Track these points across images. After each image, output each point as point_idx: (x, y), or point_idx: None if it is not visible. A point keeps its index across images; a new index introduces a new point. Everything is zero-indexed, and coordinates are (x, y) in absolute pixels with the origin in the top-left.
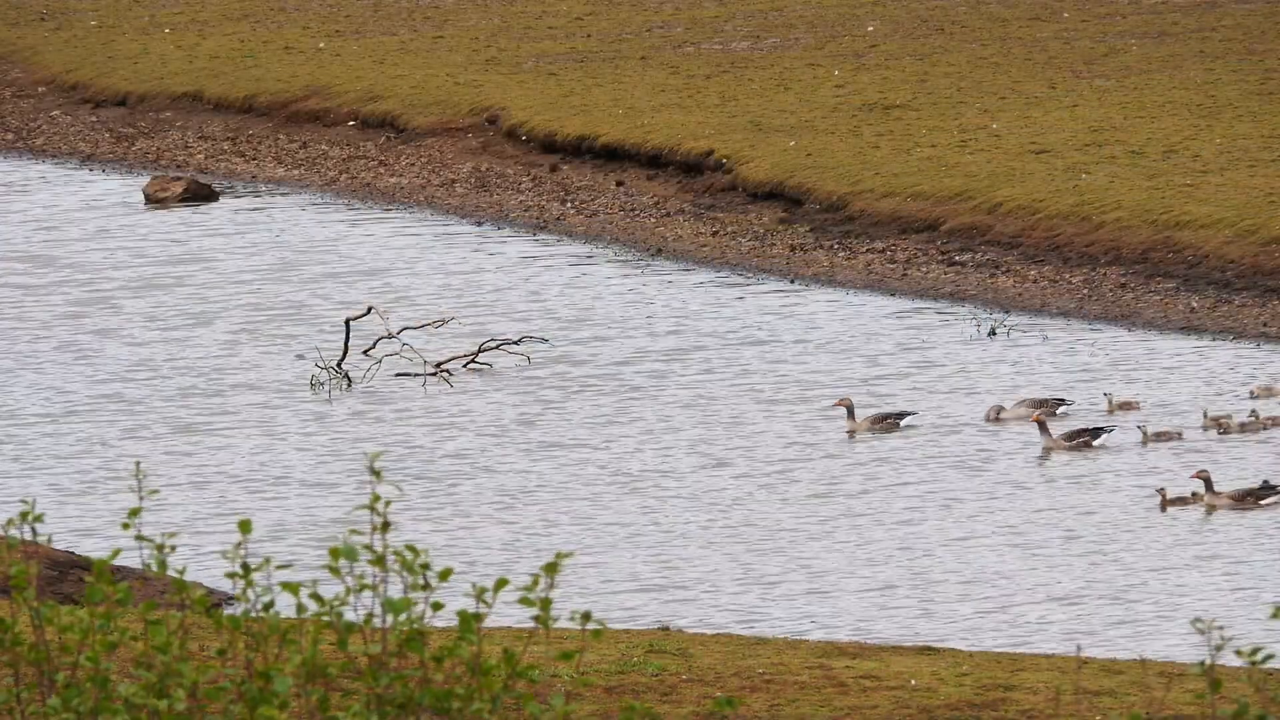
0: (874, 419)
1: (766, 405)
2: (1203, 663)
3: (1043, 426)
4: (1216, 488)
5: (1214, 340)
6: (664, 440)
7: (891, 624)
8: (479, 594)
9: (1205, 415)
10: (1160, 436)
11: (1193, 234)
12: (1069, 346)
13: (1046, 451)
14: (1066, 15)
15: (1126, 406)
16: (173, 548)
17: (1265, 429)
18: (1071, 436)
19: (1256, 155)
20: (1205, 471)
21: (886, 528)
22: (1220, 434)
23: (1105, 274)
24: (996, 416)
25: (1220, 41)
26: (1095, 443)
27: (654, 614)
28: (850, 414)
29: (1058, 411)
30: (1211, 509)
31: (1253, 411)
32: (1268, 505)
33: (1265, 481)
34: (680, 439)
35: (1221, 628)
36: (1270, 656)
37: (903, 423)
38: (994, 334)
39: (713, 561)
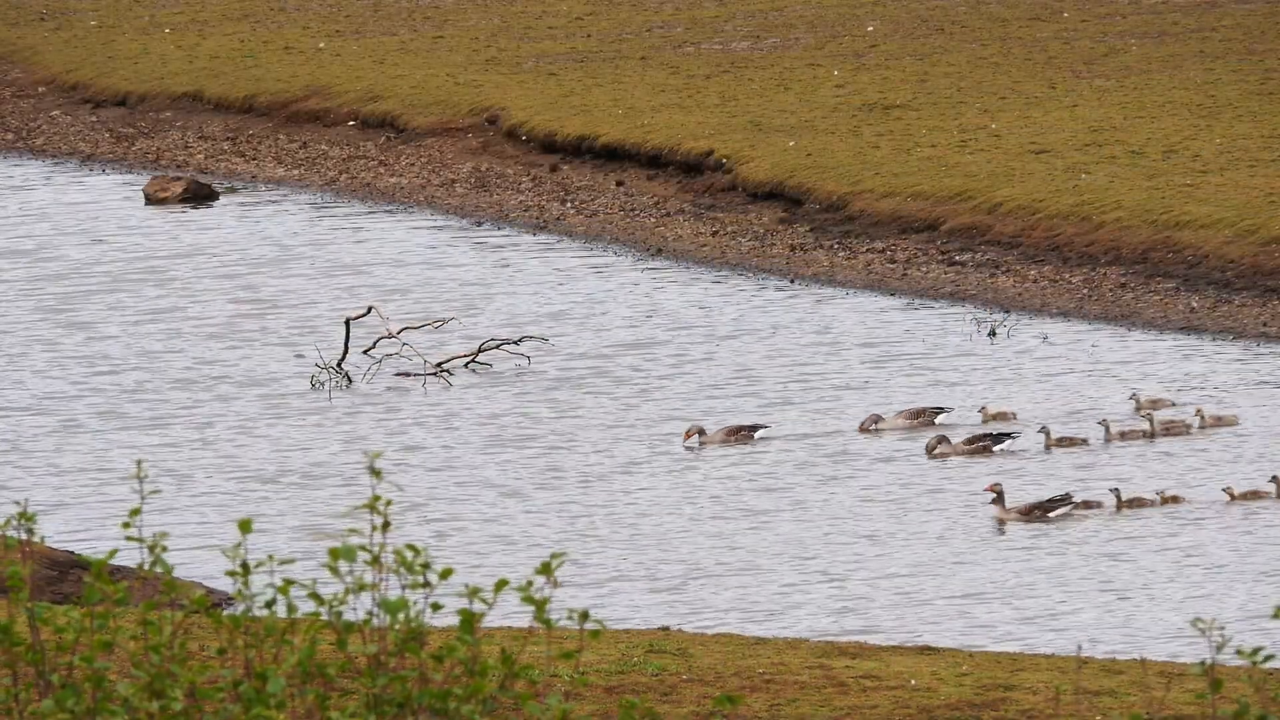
0: (728, 431)
1: (766, 405)
2: (1203, 662)
3: (943, 438)
4: (1087, 497)
5: (1214, 340)
6: (662, 439)
7: (860, 620)
8: (473, 593)
9: (1155, 421)
10: (1063, 442)
11: (1193, 234)
12: (1068, 346)
13: (944, 458)
14: (1066, 15)
15: (1001, 416)
16: (164, 547)
17: (1207, 427)
18: (971, 441)
19: (1256, 155)
20: (998, 484)
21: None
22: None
23: (1105, 274)
24: (874, 426)
25: (1220, 41)
26: (996, 448)
27: (654, 614)
28: (701, 433)
29: (936, 420)
30: (1001, 522)
31: (1198, 411)
32: (1056, 517)
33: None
34: (678, 438)
35: (1222, 628)
36: (1270, 657)
37: (756, 434)
38: (994, 334)
39: (711, 560)
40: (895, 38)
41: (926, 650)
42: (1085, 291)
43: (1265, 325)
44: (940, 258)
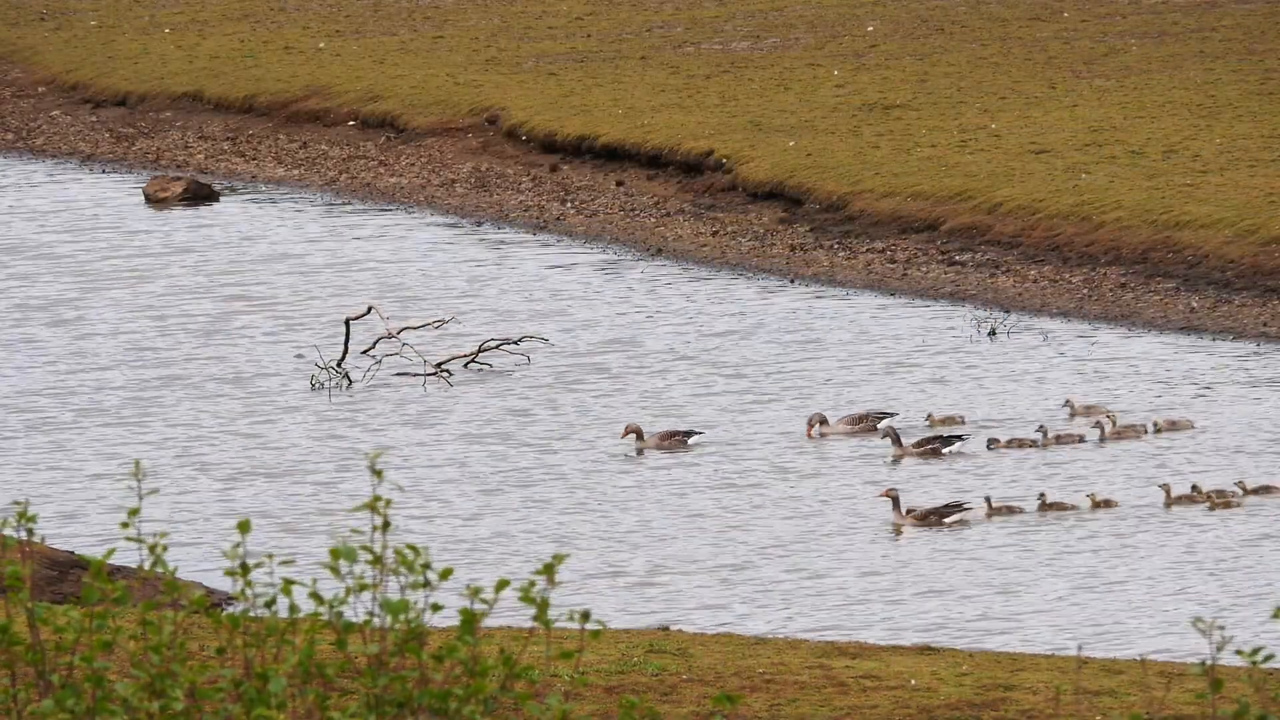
0: (662, 436)
1: (763, 405)
2: (1203, 662)
3: (894, 438)
4: (987, 502)
5: (1214, 340)
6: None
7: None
8: (474, 593)
9: (1114, 423)
10: (1012, 444)
11: (1193, 234)
12: (1068, 346)
13: (896, 459)
14: (1066, 15)
15: (949, 421)
16: (165, 547)
17: (1162, 431)
18: (921, 444)
19: (1256, 155)
20: (894, 490)
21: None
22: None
23: (1105, 274)
24: (819, 425)
25: (1220, 41)
26: (945, 450)
27: (654, 614)
28: (639, 436)
29: (879, 426)
30: (898, 529)
31: (1154, 423)
32: (951, 524)
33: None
34: (693, 438)
35: (1222, 627)
36: (1270, 656)
37: (691, 441)
38: (994, 334)
39: (708, 559)
40: (895, 38)
41: (926, 650)
42: (1085, 291)
43: (1265, 325)
44: (940, 258)
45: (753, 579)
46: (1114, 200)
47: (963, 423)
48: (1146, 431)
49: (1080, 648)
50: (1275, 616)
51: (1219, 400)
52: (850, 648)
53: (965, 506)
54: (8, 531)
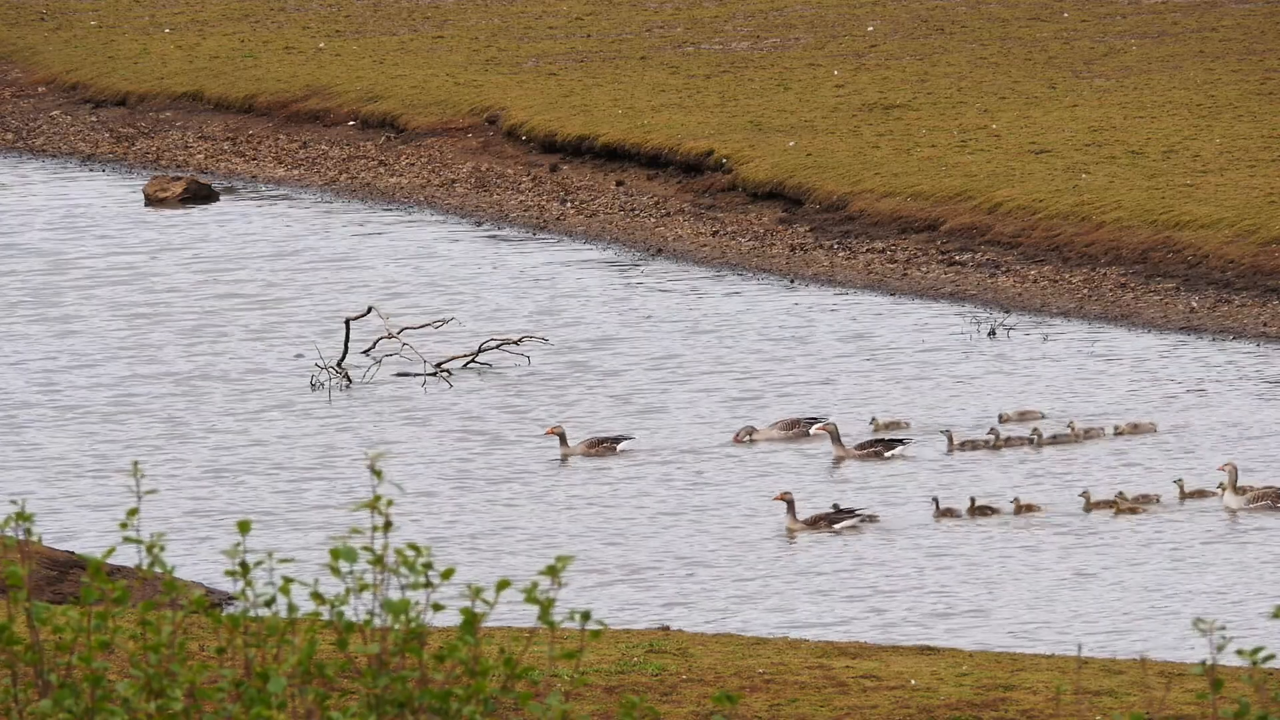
0: (589, 443)
1: (762, 404)
2: (1203, 662)
3: (834, 436)
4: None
5: (1214, 340)
6: (660, 438)
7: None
8: (475, 594)
9: (1073, 427)
10: (966, 445)
11: (1193, 234)
12: (1068, 346)
13: (838, 460)
14: (1066, 15)
15: (893, 426)
16: (162, 546)
17: (1123, 434)
18: (864, 446)
19: (1256, 155)
20: (788, 494)
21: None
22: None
23: (1105, 274)
24: (748, 437)
25: (1220, 41)
26: (888, 454)
27: (654, 614)
28: (563, 441)
29: (811, 431)
30: (791, 532)
31: (1115, 426)
32: (842, 529)
33: (835, 505)
34: (677, 437)
35: (1223, 628)
36: (1271, 656)
37: (619, 447)
38: (994, 334)
39: (708, 559)
40: (895, 38)
41: (926, 650)
42: (1085, 291)
43: (1265, 325)
44: (940, 258)
45: (752, 578)
46: (1114, 200)
47: (907, 426)
48: (1105, 434)
49: (1080, 648)
50: (1275, 616)
51: (1206, 401)
52: (850, 648)
53: (858, 513)
54: (7, 531)
